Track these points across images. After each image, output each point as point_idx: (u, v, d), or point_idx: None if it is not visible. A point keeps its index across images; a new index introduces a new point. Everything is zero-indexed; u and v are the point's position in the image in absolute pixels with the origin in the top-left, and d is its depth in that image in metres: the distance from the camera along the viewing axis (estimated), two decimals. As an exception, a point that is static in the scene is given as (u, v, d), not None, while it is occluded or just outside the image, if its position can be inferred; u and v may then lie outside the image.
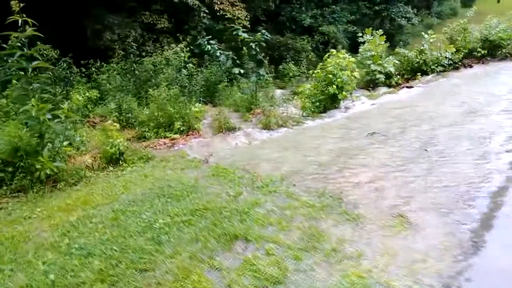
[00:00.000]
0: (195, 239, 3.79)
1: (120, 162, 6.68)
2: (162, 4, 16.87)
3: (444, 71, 12.98)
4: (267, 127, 8.99)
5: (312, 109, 10.02)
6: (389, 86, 13.00)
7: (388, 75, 13.08)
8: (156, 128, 8.29)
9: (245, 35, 10.38)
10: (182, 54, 10.58)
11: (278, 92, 14.24)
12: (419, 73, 12.94)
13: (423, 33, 14.12)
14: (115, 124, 7.10)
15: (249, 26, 17.89)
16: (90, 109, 10.26)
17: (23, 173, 5.57)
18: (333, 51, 10.57)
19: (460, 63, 13.17)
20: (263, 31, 10.42)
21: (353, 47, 27.34)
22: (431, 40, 13.52)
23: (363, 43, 13.93)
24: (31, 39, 5.89)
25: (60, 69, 9.73)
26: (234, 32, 10.72)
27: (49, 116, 5.60)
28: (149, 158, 6.92)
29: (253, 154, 6.60)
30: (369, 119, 8.39)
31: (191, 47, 11.97)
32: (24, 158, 5.54)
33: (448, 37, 13.90)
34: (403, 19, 29.74)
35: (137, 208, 4.62)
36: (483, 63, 13.43)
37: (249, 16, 18.33)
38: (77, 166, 6.33)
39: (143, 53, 13.61)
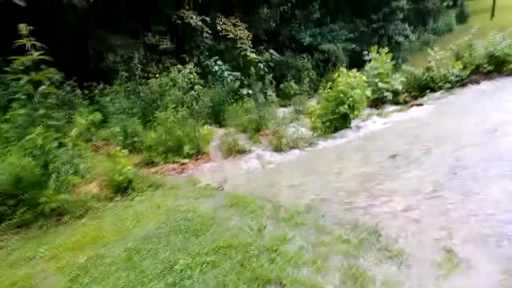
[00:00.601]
0: (222, 284, 3.38)
1: (129, 190, 6.30)
2: (164, 25, 16.74)
3: (452, 87, 12.73)
4: (278, 148, 8.66)
5: (323, 129, 9.72)
6: (397, 103, 12.78)
7: (396, 93, 12.86)
8: (165, 152, 7.92)
9: (253, 55, 10.16)
10: (192, 76, 10.31)
11: (281, 110, 13.98)
12: (429, 90, 12.70)
13: (428, 49, 13.96)
14: (123, 150, 6.69)
15: (251, 46, 17.78)
16: (93, 132, 9.91)
17: (26, 206, 5.18)
18: (343, 69, 10.30)
19: (467, 80, 12.94)
20: (271, 50, 10.24)
21: (353, 65, 27.42)
22: (437, 57, 13.33)
23: (369, 61, 13.74)
24: (35, 62, 5.58)
25: (64, 93, 9.41)
26: (243, 53, 10.50)
27: (55, 144, 5.23)
28: (159, 186, 6.55)
29: (270, 180, 6.23)
30: (385, 139, 8.05)
31: (196, 67, 11.71)
32: (27, 190, 5.15)
33: (454, 54, 13.71)
34: (401, 36, 29.90)
35: (152, 245, 4.21)
36: (490, 79, 13.19)
37: (251, 36, 18.22)
38: (83, 196, 5.94)
39: (147, 75, 13.42)
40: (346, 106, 9.42)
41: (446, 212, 4.42)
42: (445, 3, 40.95)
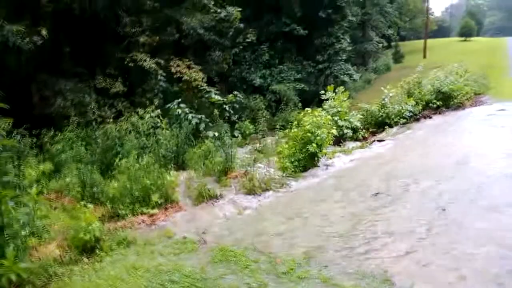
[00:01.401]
0: None
1: (96, 250, 5.58)
2: (115, 68, 16.22)
3: (406, 123, 13.33)
4: (251, 192, 8.31)
5: (292, 169, 9.54)
6: (356, 140, 13.08)
7: (355, 130, 13.18)
8: (131, 203, 7.25)
9: (218, 97, 9.96)
10: (158, 120, 9.79)
11: (239, 151, 13.75)
12: (386, 126, 13.18)
13: (382, 88, 14.64)
14: (82, 202, 5.99)
15: (206, 87, 17.70)
16: (44, 184, 8.98)
17: (-25, 280, 4.33)
18: (308, 109, 10.38)
19: (420, 115, 13.65)
20: (235, 92, 10.10)
21: (304, 104, 28.26)
22: (390, 94, 14.00)
23: (326, 100, 14.05)
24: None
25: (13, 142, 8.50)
26: (206, 95, 10.27)
27: (11, 203, 4.51)
28: (130, 242, 5.90)
29: (254, 228, 5.83)
30: (359, 177, 8.02)
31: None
32: (-23, 261, 4.33)
33: (406, 91, 14.49)
34: (346, 75, 31.43)
35: (140, 319, 3.62)
36: (440, 113, 14.03)
37: (205, 78, 18.16)
38: (43, 260, 5.15)
39: (101, 119, 12.71)
40: (314, 145, 9.38)
41: (449, 251, 4.30)
42: (381, 45, 44.15)
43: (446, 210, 5.35)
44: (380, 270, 4.00)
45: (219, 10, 19.25)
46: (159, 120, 10.06)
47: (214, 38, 19.14)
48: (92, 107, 13.73)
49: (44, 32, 10.99)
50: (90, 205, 5.94)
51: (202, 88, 11.86)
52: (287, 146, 10.00)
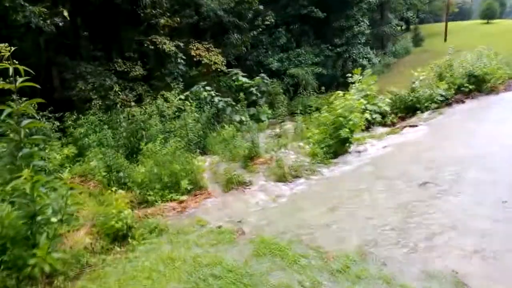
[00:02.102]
0: None
1: (128, 239, 5.31)
2: (135, 51, 15.85)
3: (438, 107, 12.70)
4: (282, 179, 7.95)
5: (322, 156, 9.12)
6: (385, 125, 12.56)
7: (383, 115, 12.65)
8: (161, 190, 6.94)
9: (245, 79, 9.50)
10: (186, 102, 9.39)
11: (258, 135, 13.34)
12: (416, 111, 12.59)
13: (412, 71, 13.98)
14: (121, 191, 5.68)
15: (227, 70, 17.28)
16: (68, 168, 8.76)
17: (7, 269, 4.08)
18: (339, 92, 9.88)
19: (452, 99, 13.01)
20: (262, 74, 9.63)
21: (323, 88, 27.59)
22: (420, 78, 13.36)
23: (352, 83, 13.49)
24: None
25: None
26: (234, 77, 9.81)
27: (43, 189, 4.22)
28: (162, 230, 5.60)
29: (294, 218, 5.46)
30: (398, 165, 7.54)
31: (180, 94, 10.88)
32: (8, 249, 4.07)
33: (437, 74, 13.81)
34: (365, 59, 30.59)
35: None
36: (472, 97, 13.34)
37: (225, 61, 17.71)
38: (75, 249, 4.88)
39: (123, 102, 12.42)
40: (347, 130, 8.93)
41: (523, 250, 3.87)
42: (400, 28, 42.90)
43: (508, 202, 4.89)
44: (447, 270, 3.60)
45: (237, -9, 18.63)
46: (183, 104, 9.66)
47: (233, 20, 18.56)
48: (115, 90, 13.44)
49: (65, 13, 10.61)
50: (121, 191, 5.59)
51: (226, 70, 11.34)
52: (317, 131, 9.55)
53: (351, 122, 9.04)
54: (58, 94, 13.38)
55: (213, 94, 10.83)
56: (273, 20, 22.27)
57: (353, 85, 13.30)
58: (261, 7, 19.64)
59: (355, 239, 4.45)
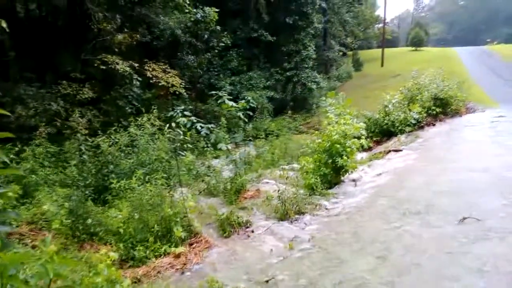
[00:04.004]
0: None
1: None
2: (82, 72, 14.08)
3: (412, 131, 12.58)
4: (283, 216, 6.91)
5: (319, 187, 8.23)
6: (361, 150, 12.11)
7: (359, 139, 12.19)
8: (151, 241, 5.52)
9: (232, 103, 8.41)
10: (178, 131, 7.97)
11: (216, 161, 12.26)
12: (392, 135, 12.32)
13: (384, 94, 13.80)
14: (111, 253, 4.23)
15: (184, 93, 16.09)
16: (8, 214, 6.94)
17: None
18: (331, 116, 9.16)
19: (424, 122, 12.97)
20: (248, 98, 8.66)
21: (275, 112, 27.23)
22: (392, 101, 13.21)
23: (326, 107, 12.94)
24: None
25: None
26: (219, 101, 8.67)
27: None
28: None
29: (337, 273, 4.40)
30: (411, 195, 6.85)
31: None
32: None
33: (408, 97, 13.79)
34: (313, 83, 30.96)
35: None
36: (440, 120, 13.48)
37: (183, 84, 16.49)
38: None
39: (70, 131, 10.68)
40: (345, 157, 8.17)
41: None
42: (341, 53, 44.70)
43: None
44: None
45: (194, 10, 17.63)
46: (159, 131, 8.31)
47: (190, 40, 17.48)
48: (57, 115, 11.62)
49: (4, 24, 8.81)
50: (114, 254, 4.15)
51: (213, 93, 10.16)
52: (311, 159, 8.67)
53: (348, 149, 8.32)
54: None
55: (194, 120, 9.57)
56: (229, 42, 21.48)
57: (329, 109, 12.79)
58: (218, 27, 18.77)
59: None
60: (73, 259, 5.11)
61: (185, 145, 10.00)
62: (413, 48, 53.92)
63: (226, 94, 8.83)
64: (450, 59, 38.99)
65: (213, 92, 10.44)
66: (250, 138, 19.52)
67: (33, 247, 6.11)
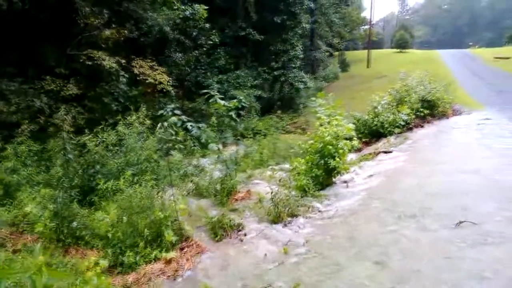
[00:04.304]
0: None
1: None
2: (67, 67, 13.67)
3: (401, 132, 12.61)
4: (276, 219, 6.77)
5: (311, 188, 8.13)
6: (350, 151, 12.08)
7: (349, 140, 12.17)
8: (141, 246, 5.30)
9: (224, 102, 8.22)
10: (170, 131, 7.74)
11: (204, 161, 12.09)
12: (381, 136, 12.33)
13: (373, 95, 13.81)
14: (101, 261, 4.01)
15: (172, 90, 15.81)
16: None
17: None
18: (323, 117, 9.06)
19: (412, 124, 13.02)
20: (240, 98, 8.52)
21: (263, 112, 27.07)
22: (382, 102, 13.22)
23: (316, 107, 12.87)
24: None
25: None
26: (211, 100, 8.47)
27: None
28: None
29: (336, 279, 4.28)
30: (404, 197, 6.77)
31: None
32: None
33: (396, 98, 13.82)
34: (301, 83, 30.94)
35: None
36: (428, 122, 13.56)
37: (171, 81, 16.20)
38: None
39: (55, 128, 10.34)
40: (337, 159, 8.08)
41: None
42: (328, 54, 44.87)
43: None
44: None
45: (183, 7, 17.34)
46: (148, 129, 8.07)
47: (178, 37, 17.18)
48: (40, 111, 11.24)
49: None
50: (104, 261, 3.94)
51: (204, 92, 9.96)
52: (303, 161, 8.57)
53: (341, 150, 8.24)
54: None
55: (185, 119, 9.33)
56: (217, 40, 21.23)
57: (319, 109, 12.71)
58: (207, 25, 18.52)
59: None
60: (60, 266, 4.89)
61: (176, 146, 9.80)
62: (398, 50, 54.64)
63: (217, 93, 8.65)
64: (434, 61, 39.57)
65: (205, 90, 10.23)
66: (239, 137, 19.38)
67: (14, 251, 5.85)
